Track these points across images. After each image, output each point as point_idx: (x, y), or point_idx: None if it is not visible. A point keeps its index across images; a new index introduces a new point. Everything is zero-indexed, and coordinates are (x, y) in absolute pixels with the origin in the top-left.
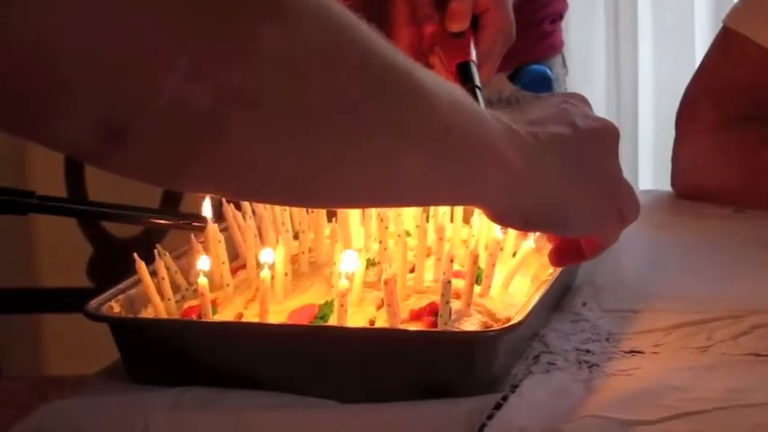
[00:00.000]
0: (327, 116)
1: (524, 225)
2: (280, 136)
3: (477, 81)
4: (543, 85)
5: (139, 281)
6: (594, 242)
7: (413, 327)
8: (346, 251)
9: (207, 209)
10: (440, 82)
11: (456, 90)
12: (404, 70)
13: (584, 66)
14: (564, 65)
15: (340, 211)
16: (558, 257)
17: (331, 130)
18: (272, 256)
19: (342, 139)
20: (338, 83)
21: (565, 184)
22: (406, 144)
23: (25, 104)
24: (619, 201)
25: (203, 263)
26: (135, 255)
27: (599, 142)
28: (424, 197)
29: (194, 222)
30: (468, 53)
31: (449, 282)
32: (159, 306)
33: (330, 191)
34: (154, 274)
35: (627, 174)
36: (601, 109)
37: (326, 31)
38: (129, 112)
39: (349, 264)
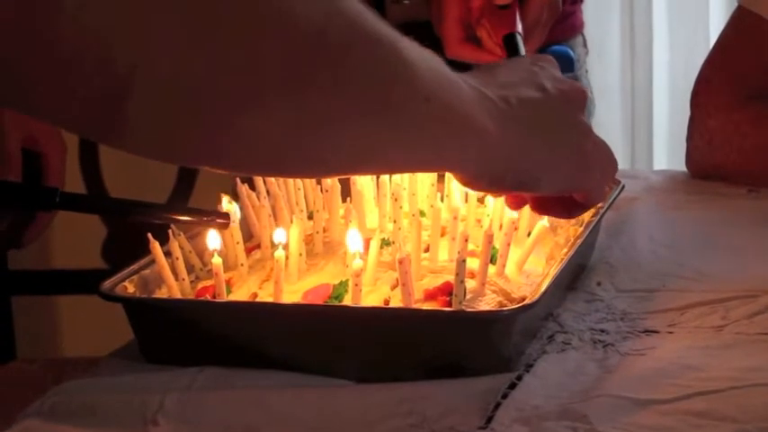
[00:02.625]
0: (318, 82)
1: (495, 187)
2: (276, 101)
3: (523, 52)
4: (565, 65)
5: (153, 261)
6: (578, 200)
7: (427, 306)
8: (350, 230)
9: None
10: (418, 49)
11: (433, 57)
12: (389, 39)
13: (599, 46)
14: (584, 45)
15: (354, 191)
16: (539, 207)
17: (319, 95)
18: (285, 236)
19: (328, 107)
20: (329, 50)
21: (535, 146)
22: (388, 112)
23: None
24: (592, 157)
25: (213, 240)
26: (149, 235)
27: (568, 103)
28: (399, 165)
29: (217, 219)
30: (514, 25)
31: (463, 261)
32: (173, 286)
33: (314, 157)
34: (168, 254)
35: (642, 154)
36: (615, 89)
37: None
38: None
39: (354, 244)
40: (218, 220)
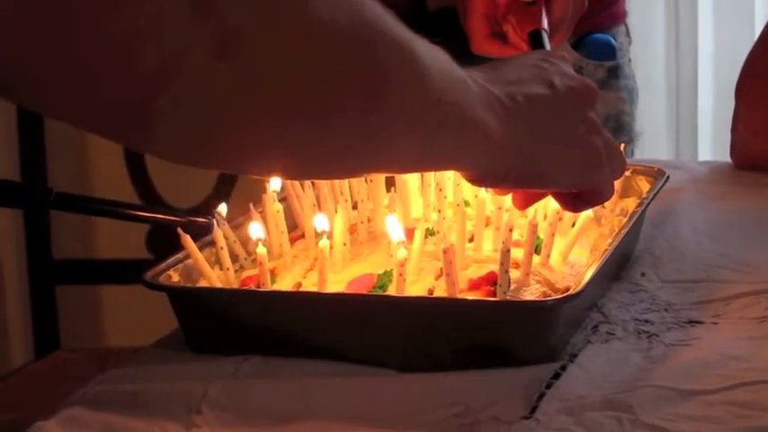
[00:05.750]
0: (340, 89)
1: (501, 184)
2: (279, 107)
3: (548, 48)
4: (607, 53)
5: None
6: (585, 197)
7: (471, 296)
8: (389, 217)
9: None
10: (431, 50)
11: (443, 55)
12: (407, 43)
13: (644, 37)
14: (627, 34)
15: (399, 181)
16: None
17: (342, 102)
18: (326, 223)
19: (348, 111)
20: (353, 56)
21: (541, 143)
22: (403, 116)
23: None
24: (601, 154)
25: (255, 229)
26: (179, 229)
27: (576, 100)
28: (408, 165)
29: (198, 221)
30: (540, 21)
31: (508, 251)
32: (211, 277)
33: (327, 161)
34: (212, 244)
35: (686, 145)
36: (660, 81)
37: (342, 4)
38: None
39: (394, 230)
40: (200, 220)
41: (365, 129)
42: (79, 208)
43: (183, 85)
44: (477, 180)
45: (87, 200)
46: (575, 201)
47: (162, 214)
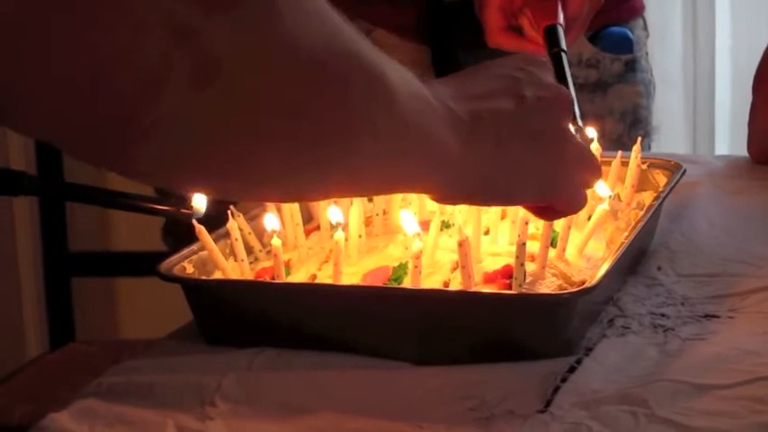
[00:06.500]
0: (312, 115)
1: (467, 203)
2: (256, 133)
3: (563, 45)
4: (624, 47)
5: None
6: (554, 208)
7: (487, 289)
8: (402, 211)
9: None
10: (399, 71)
11: (412, 78)
12: (377, 67)
13: (662, 31)
14: (645, 28)
15: None
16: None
17: (311, 129)
18: (342, 216)
19: (319, 138)
20: (326, 83)
21: (506, 162)
22: (372, 143)
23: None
24: (570, 167)
25: (270, 221)
26: (194, 221)
27: (547, 111)
28: (372, 189)
29: (181, 210)
30: (556, 16)
31: (524, 244)
32: (226, 270)
33: (297, 185)
34: (227, 235)
35: (703, 139)
36: (678, 75)
37: (318, 30)
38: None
39: (408, 224)
40: (183, 211)
41: (337, 153)
42: (60, 194)
43: (162, 110)
44: (445, 200)
45: (71, 186)
46: (545, 211)
47: (148, 203)
